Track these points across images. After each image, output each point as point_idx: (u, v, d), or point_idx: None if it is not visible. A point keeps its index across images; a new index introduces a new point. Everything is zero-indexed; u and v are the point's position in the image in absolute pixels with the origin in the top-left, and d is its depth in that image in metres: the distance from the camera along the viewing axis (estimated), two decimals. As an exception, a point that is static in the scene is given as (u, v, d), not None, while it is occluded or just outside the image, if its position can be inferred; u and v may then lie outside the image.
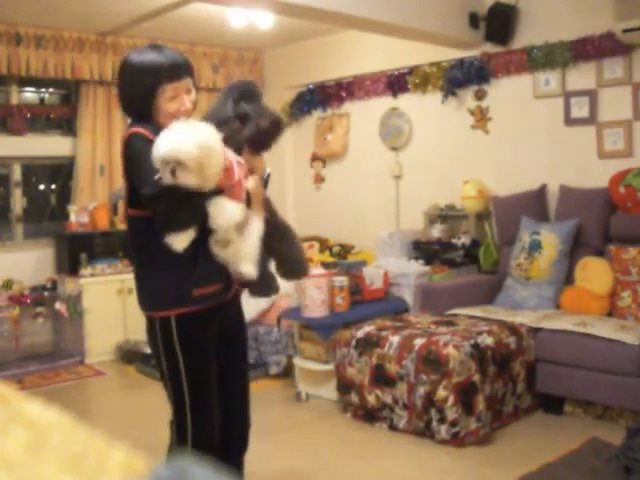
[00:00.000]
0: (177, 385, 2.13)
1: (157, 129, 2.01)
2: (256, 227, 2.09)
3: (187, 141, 1.87)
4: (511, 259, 4.55)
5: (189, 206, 1.93)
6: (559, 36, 4.71)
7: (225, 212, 1.96)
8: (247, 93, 2.21)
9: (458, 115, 5.41)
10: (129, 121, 2.19)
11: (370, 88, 6.00)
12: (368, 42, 5.76)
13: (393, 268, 4.76)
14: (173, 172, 1.85)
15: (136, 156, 2.00)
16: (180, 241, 1.96)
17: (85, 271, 5.48)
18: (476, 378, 3.44)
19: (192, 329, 2.13)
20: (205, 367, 2.17)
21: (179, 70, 2.09)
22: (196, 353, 2.15)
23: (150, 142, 1.95)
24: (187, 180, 1.86)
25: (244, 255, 2.05)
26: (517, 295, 4.40)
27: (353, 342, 3.89)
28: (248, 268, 2.06)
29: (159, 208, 1.93)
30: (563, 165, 4.78)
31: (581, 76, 4.67)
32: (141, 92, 2.07)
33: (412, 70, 5.66)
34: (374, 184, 6.05)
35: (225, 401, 2.28)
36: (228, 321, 2.29)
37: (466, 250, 4.93)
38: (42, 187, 6.05)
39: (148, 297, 2.16)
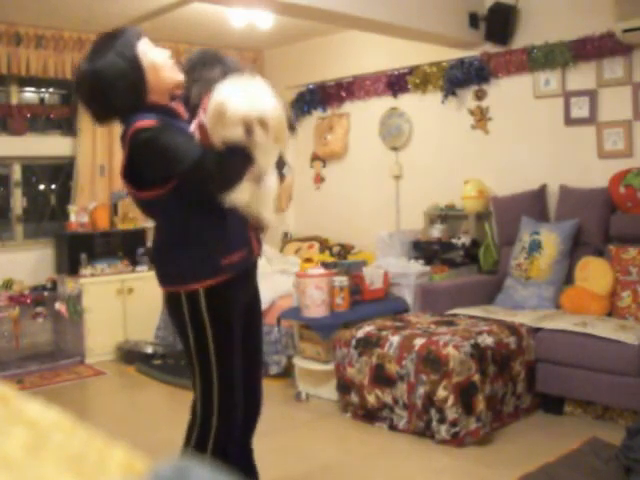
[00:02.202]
0: (205, 359, 2.11)
1: (154, 109, 1.96)
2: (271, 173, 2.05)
3: (269, 100, 1.72)
4: (511, 259, 4.55)
5: (239, 154, 1.86)
6: (559, 36, 4.71)
7: (268, 153, 1.87)
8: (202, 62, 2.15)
9: (458, 115, 5.41)
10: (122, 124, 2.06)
11: (370, 88, 6.00)
12: (368, 42, 5.76)
13: (393, 268, 4.76)
14: (249, 131, 1.71)
15: (157, 145, 1.91)
16: (241, 192, 1.87)
17: (85, 271, 5.48)
18: (476, 378, 3.44)
19: (220, 301, 2.09)
20: (232, 340, 2.15)
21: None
22: (224, 326, 2.11)
23: (158, 129, 1.90)
24: (264, 141, 1.73)
25: (266, 203, 2.01)
26: (517, 295, 4.40)
27: (353, 342, 3.89)
28: (270, 216, 2.03)
29: (208, 170, 1.85)
30: (563, 165, 4.78)
31: (581, 76, 4.67)
32: (128, 66, 1.94)
33: (412, 70, 5.65)
34: (374, 184, 6.04)
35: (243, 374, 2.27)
36: (249, 294, 2.28)
37: (466, 250, 4.93)
38: (42, 187, 6.05)
39: (174, 273, 2.10)
